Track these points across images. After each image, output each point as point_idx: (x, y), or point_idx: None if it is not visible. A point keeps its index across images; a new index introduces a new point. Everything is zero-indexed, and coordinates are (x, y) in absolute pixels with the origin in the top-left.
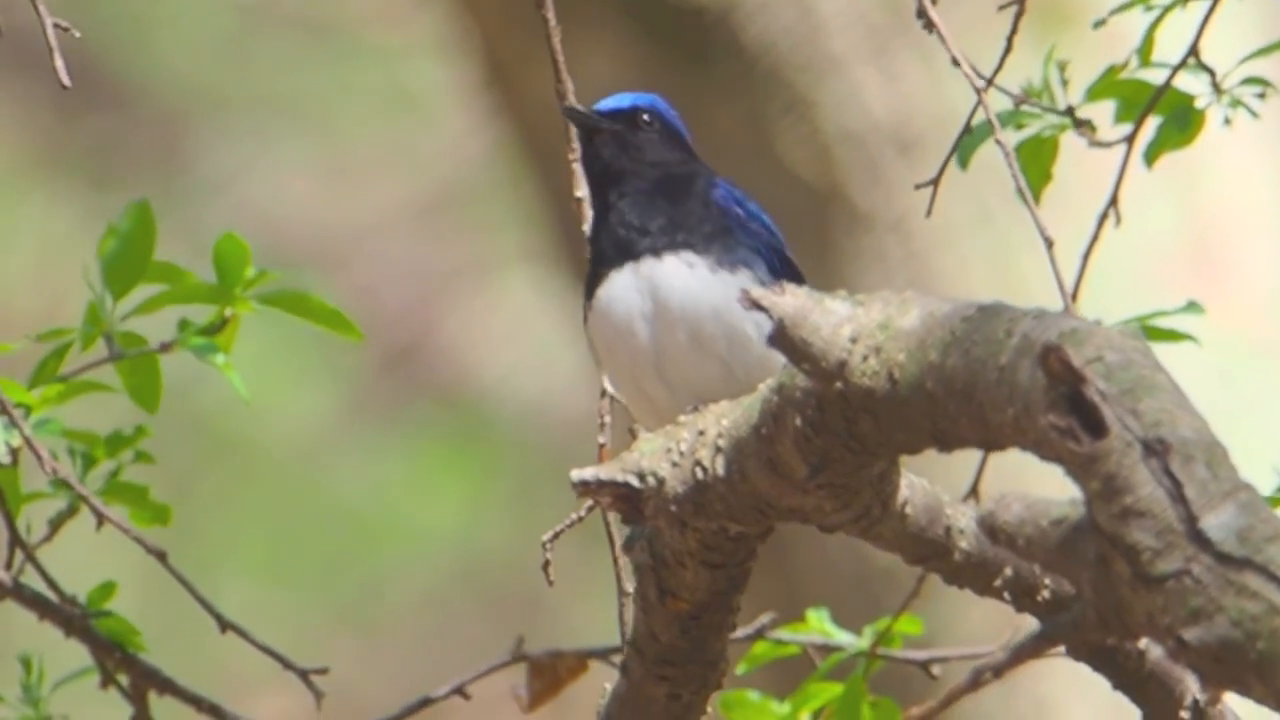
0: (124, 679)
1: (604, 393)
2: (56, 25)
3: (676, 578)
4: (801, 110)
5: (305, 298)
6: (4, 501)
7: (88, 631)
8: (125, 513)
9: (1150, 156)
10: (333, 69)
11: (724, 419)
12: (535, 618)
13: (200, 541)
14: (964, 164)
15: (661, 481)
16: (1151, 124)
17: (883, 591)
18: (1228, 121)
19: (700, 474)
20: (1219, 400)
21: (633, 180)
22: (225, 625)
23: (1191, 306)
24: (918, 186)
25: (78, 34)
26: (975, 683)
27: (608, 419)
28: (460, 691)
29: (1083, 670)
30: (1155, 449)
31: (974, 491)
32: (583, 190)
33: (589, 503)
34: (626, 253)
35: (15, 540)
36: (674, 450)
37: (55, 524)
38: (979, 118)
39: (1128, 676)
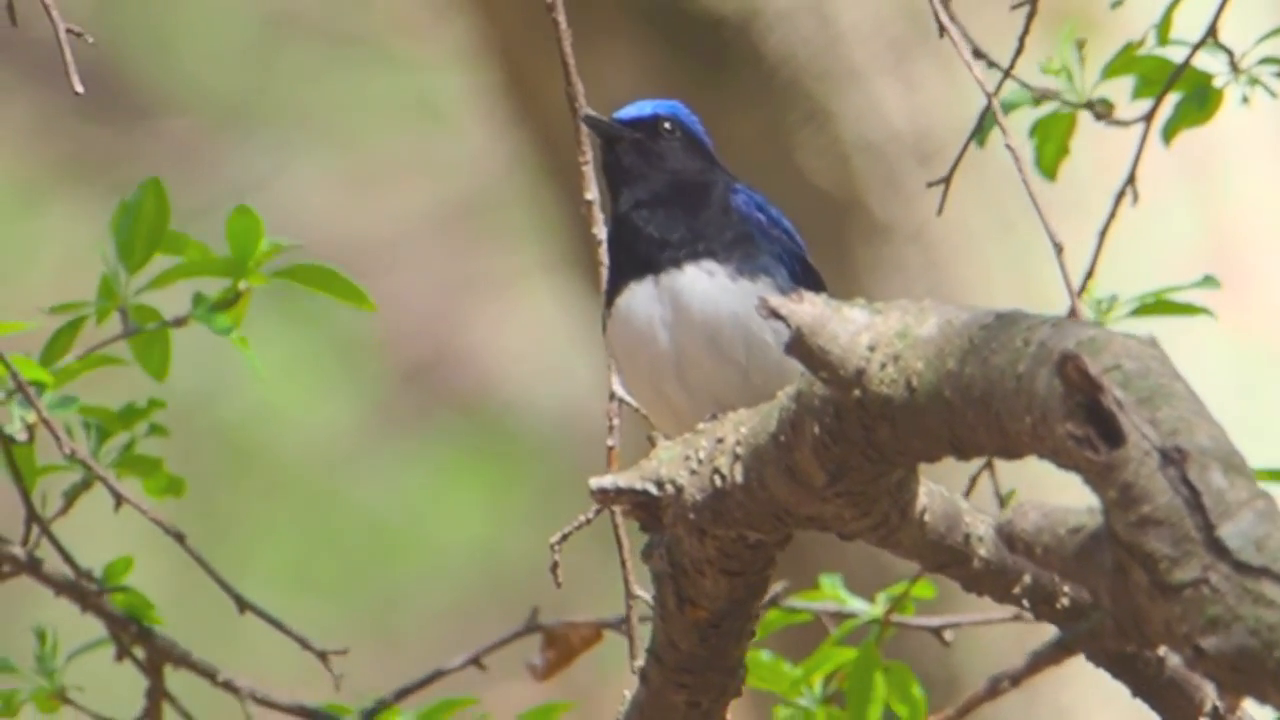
0: (139, 652)
1: (613, 395)
2: (69, 31)
3: (695, 585)
4: (821, 120)
5: (318, 269)
6: (19, 477)
7: (103, 606)
8: (141, 498)
9: (1168, 134)
10: (355, 79)
11: (742, 426)
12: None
13: (223, 551)
14: (981, 143)
15: (680, 489)
16: (1168, 105)
17: (892, 559)
18: (1245, 100)
19: (719, 481)
20: (1237, 409)
21: (653, 189)
22: (244, 606)
23: (1207, 281)
24: (930, 184)
25: (90, 39)
26: (993, 691)
27: (616, 422)
28: (476, 662)
29: (1103, 677)
30: (1173, 457)
31: (1001, 501)
32: (593, 193)
33: (596, 508)
34: (647, 265)
35: (31, 514)
36: (692, 458)
37: (70, 497)
38: (984, 127)
39: (1147, 683)
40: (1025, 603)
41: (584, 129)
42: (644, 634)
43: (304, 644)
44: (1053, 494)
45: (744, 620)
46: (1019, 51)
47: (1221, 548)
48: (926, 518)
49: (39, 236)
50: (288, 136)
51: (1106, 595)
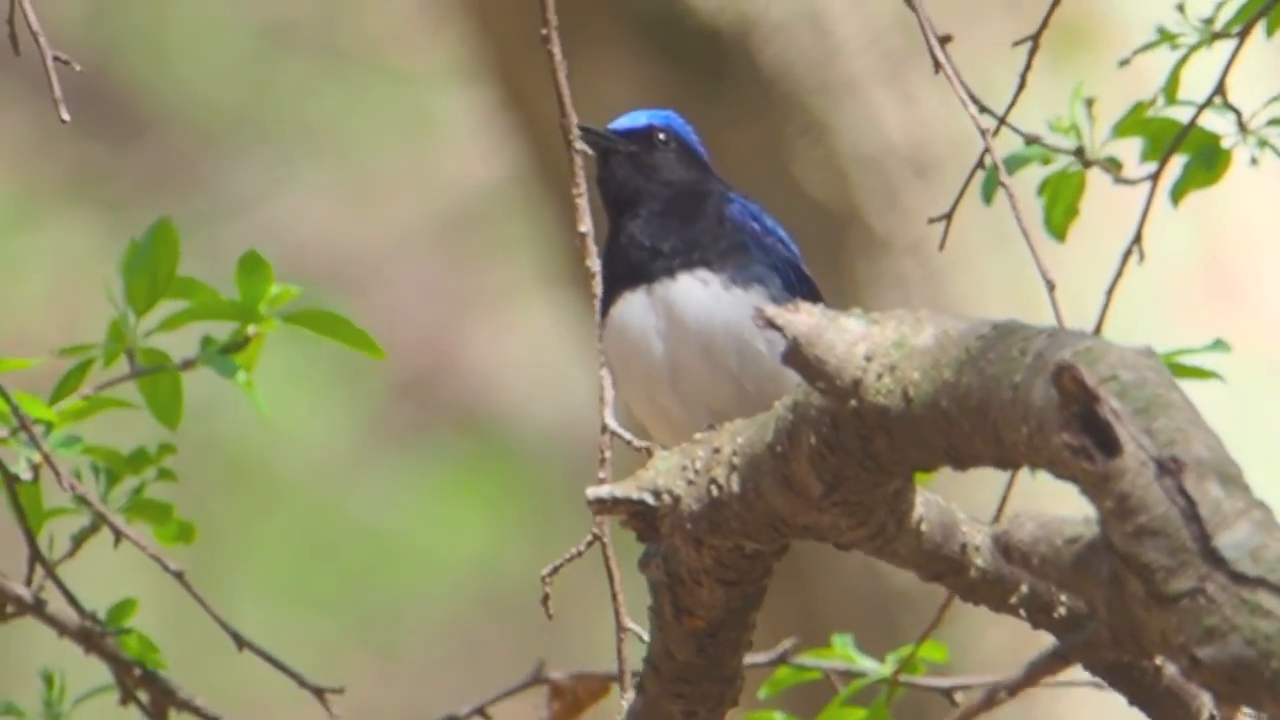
0: (144, 696)
1: (604, 428)
2: (57, 59)
3: (692, 595)
4: (818, 133)
5: (328, 316)
6: (25, 518)
7: (107, 649)
8: (148, 531)
9: (1176, 195)
10: (352, 93)
11: (739, 437)
12: (555, 640)
13: (220, 565)
14: (988, 199)
15: (677, 499)
16: (1176, 161)
17: (900, 613)
18: (1254, 162)
19: (715, 491)
20: (1233, 420)
21: (647, 200)
22: (242, 644)
23: (1218, 344)
24: (932, 220)
25: (78, 68)
26: (990, 701)
27: (608, 454)
28: (481, 713)
29: (1099, 687)
30: (1169, 468)
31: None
32: (586, 225)
33: (591, 536)
34: (641, 274)
35: (36, 557)
36: (689, 468)
37: (77, 540)
38: (989, 159)
39: (1144, 692)
40: (1022, 612)
41: (579, 161)
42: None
43: (301, 681)
44: (1049, 504)
45: (741, 630)
46: (1021, 87)
47: (1218, 558)
48: (923, 527)
49: (36, 250)
50: (285, 150)
51: (1103, 605)
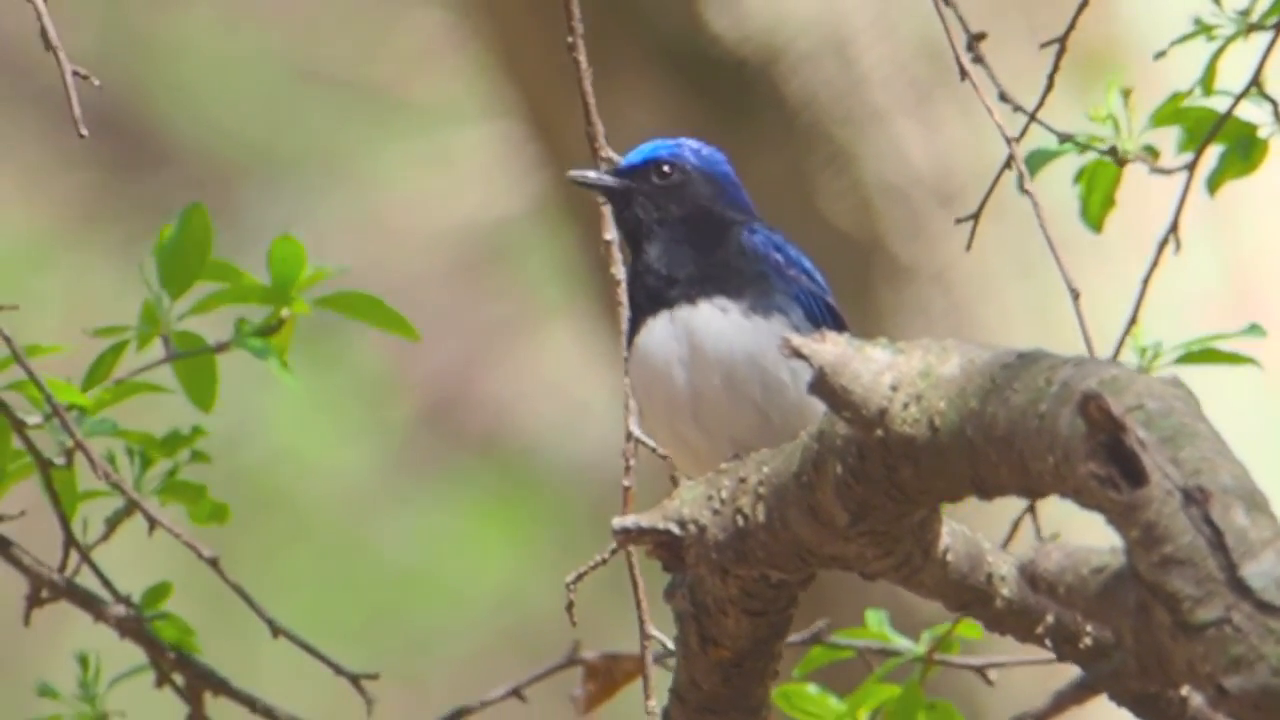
0: (179, 679)
1: (629, 436)
2: (76, 74)
3: (718, 625)
4: (843, 162)
5: (361, 298)
6: (59, 503)
7: (143, 632)
8: (180, 518)
9: (1213, 185)
10: (372, 126)
11: (765, 466)
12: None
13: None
14: (1021, 188)
15: (703, 529)
16: (1211, 154)
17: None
18: None
19: (741, 521)
20: (1260, 449)
21: (660, 231)
22: (277, 631)
23: (1253, 329)
24: (958, 221)
25: (97, 83)
26: None
27: (632, 462)
28: (517, 694)
29: (1125, 717)
30: (1195, 497)
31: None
32: (611, 234)
33: (616, 546)
34: (660, 301)
35: (70, 540)
36: (715, 498)
37: (111, 523)
38: (1011, 169)
39: None
40: (1048, 642)
41: (603, 168)
42: (660, 675)
43: (337, 669)
44: (1075, 534)
45: (767, 660)
46: (1048, 89)
47: (1244, 587)
48: (949, 557)
49: (53, 283)
50: (306, 183)
51: (1129, 635)
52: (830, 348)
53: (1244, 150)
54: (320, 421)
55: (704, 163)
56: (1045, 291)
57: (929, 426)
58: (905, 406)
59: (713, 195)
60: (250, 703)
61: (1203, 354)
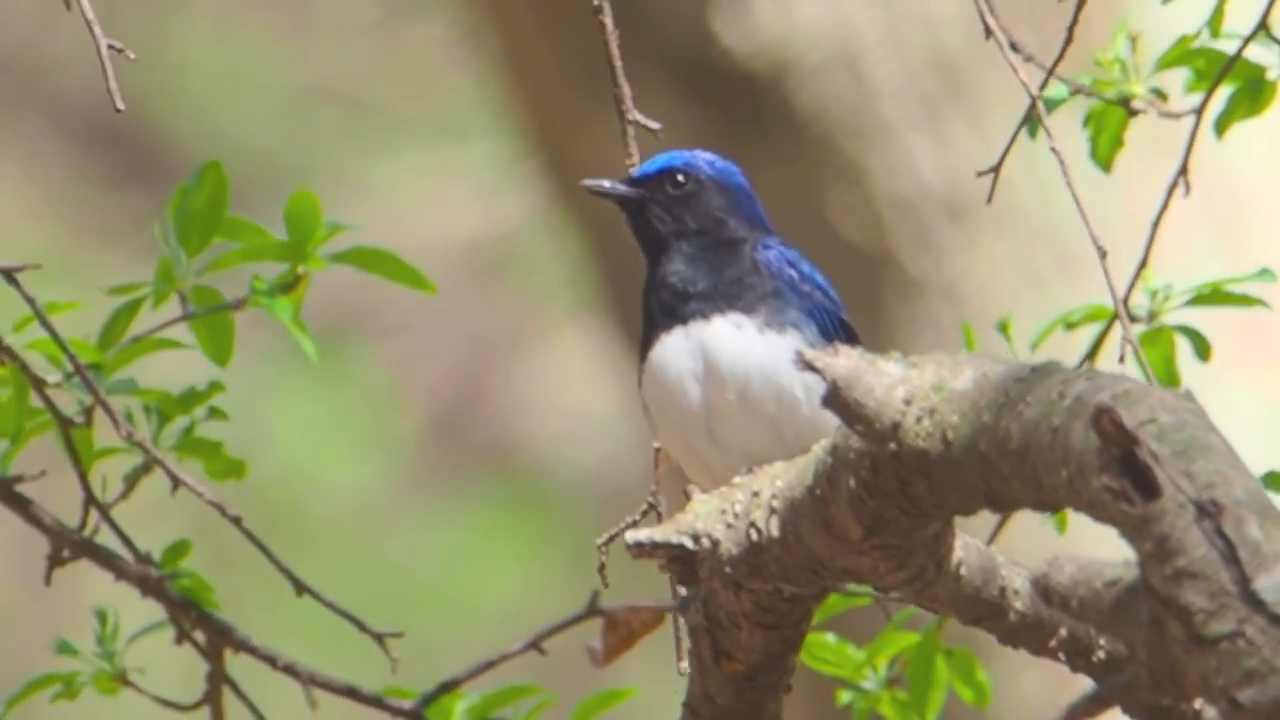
0: (199, 637)
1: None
2: (111, 47)
3: (731, 639)
4: (853, 176)
5: (377, 253)
6: (77, 460)
7: (163, 590)
8: (199, 482)
9: (1221, 127)
10: (381, 139)
11: (778, 480)
12: (592, 682)
13: (257, 611)
14: (1033, 134)
15: (716, 543)
16: (1221, 97)
17: None
18: None
19: (755, 535)
20: (1268, 461)
21: (674, 242)
22: (301, 588)
23: (1264, 273)
24: (980, 173)
25: (133, 55)
26: None
27: (663, 471)
28: (536, 646)
29: None
30: (1208, 510)
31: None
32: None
33: (646, 504)
34: (675, 316)
35: (90, 499)
36: (728, 512)
37: (130, 480)
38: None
39: None
40: (1061, 655)
41: (631, 132)
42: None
43: (361, 626)
44: (1086, 547)
45: (780, 673)
46: (1068, 42)
47: (1257, 600)
48: (962, 571)
49: (64, 296)
50: (318, 197)
51: (1142, 648)
52: (843, 361)
53: (1253, 92)
54: (329, 436)
55: (718, 173)
56: (1055, 304)
57: (942, 440)
58: (918, 420)
59: (727, 206)
60: (271, 659)
61: (1212, 295)
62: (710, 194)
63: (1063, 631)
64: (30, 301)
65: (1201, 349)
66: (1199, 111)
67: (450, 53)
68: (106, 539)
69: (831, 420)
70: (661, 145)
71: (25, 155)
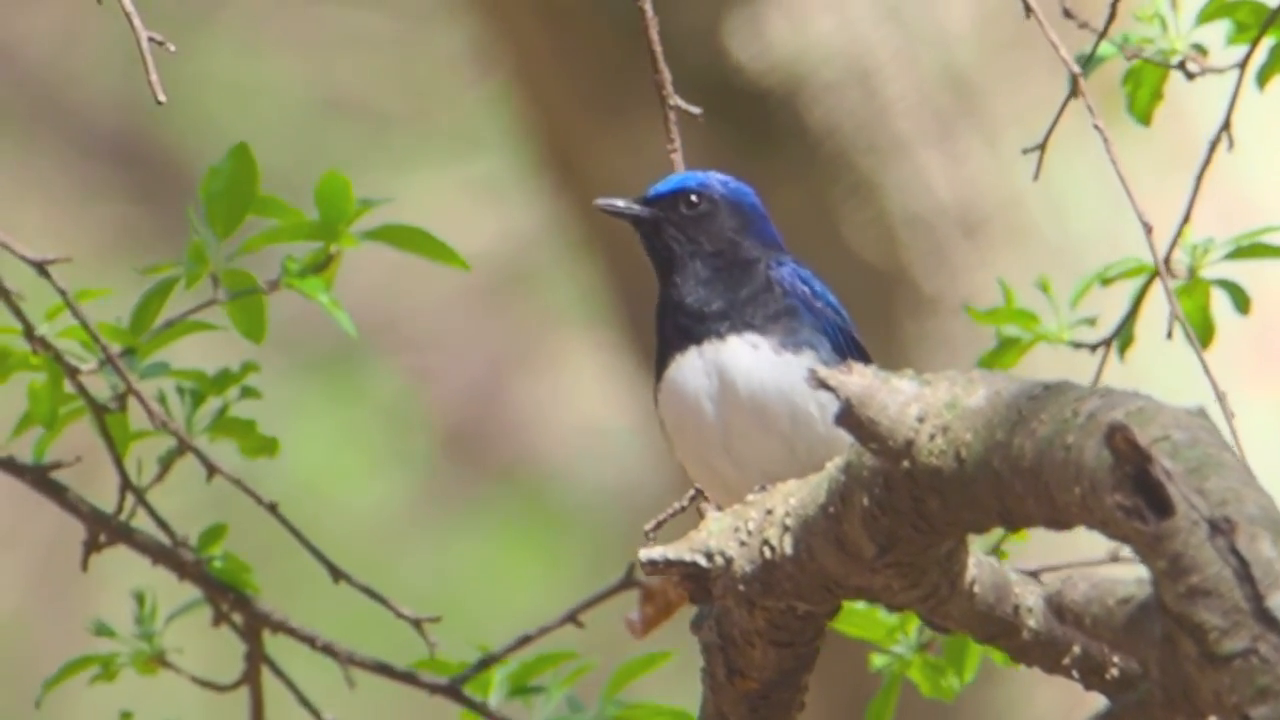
0: (237, 618)
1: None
2: (151, 39)
3: (745, 657)
4: (866, 193)
5: (408, 230)
6: (114, 446)
7: (201, 573)
8: (231, 469)
9: (1263, 79)
10: (397, 153)
11: (792, 498)
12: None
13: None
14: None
15: (729, 561)
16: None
17: None
18: None
19: (768, 553)
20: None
21: (689, 264)
22: (338, 575)
23: None
24: (1025, 151)
25: (172, 48)
26: None
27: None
28: (573, 619)
29: None
30: (1221, 528)
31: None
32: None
33: (694, 491)
34: (690, 336)
35: (126, 484)
36: (742, 529)
37: (165, 463)
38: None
39: None
40: (1075, 673)
41: (673, 117)
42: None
43: (397, 613)
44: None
45: (793, 691)
46: (1111, 17)
47: (1270, 618)
48: (976, 588)
49: (88, 311)
50: None
51: (1155, 666)
52: (857, 379)
53: None
54: (345, 453)
55: (732, 194)
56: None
57: (955, 458)
58: (932, 438)
59: (740, 227)
60: (310, 640)
61: (1252, 249)
62: (724, 214)
63: (1076, 649)
64: (61, 293)
65: (1241, 301)
66: (1242, 65)
67: (466, 68)
68: (142, 523)
69: (846, 438)
70: (672, 169)
71: (42, 172)
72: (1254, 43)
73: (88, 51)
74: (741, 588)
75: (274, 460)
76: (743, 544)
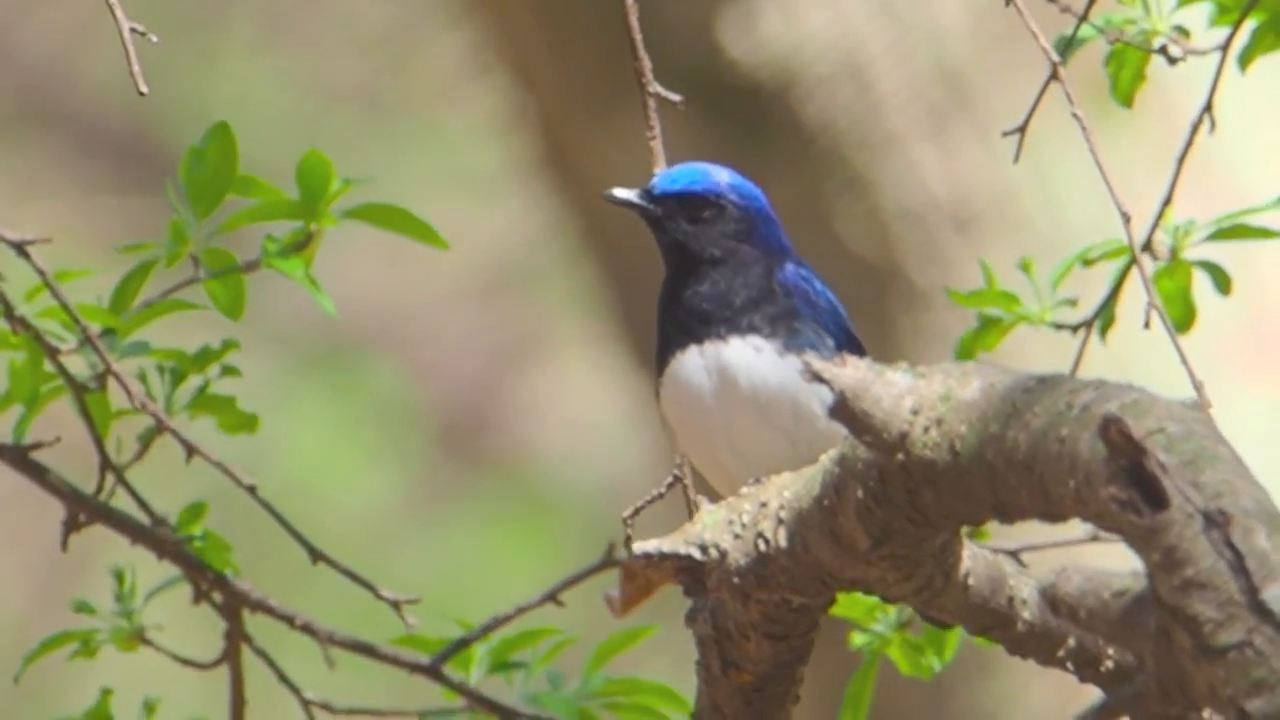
0: (217, 597)
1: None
2: (133, 30)
3: (739, 649)
4: (860, 188)
5: (389, 209)
6: (92, 424)
7: (181, 552)
8: (210, 449)
9: (1245, 61)
10: (394, 149)
11: (786, 490)
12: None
13: (267, 624)
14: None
15: (724, 554)
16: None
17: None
18: None
19: (762, 546)
20: (1277, 472)
21: (696, 262)
22: (317, 556)
23: None
24: (1005, 134)
25: (154, 38)
26: None
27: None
28: (553, 598)
29: None
30: (1216, 520)
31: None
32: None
33: (672, 476)
34: (692, 334)
35: (105, 463)
36: (736, 522)
37: (144, 441)
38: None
39: None
40: (1070, 666)
41: (652, 104)
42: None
43: (376, 593)
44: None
45: (788, 684)
46: (1093, 0)
47: (1265, 610)
48: (970, 581)
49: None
50: None
51: (1150, 658)
52: (851, 372)
53: (1277, 25)
54: (340, 448)
55: (741, 198)
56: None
57: (949, 450)
58: (926, 430)
59: (748, 231)
60: (289, 618)
61: (1234, 230)
62: (732, 219)
63: (1071, 641)
64: (41, 273)
65: (1221, 282)
66: (1224, 48)
67: (468, 63)
68: (122, 502)
69: (844, 430)
70: (678, 157)
71: (43, 169)
72: (1236, 25)
73: (90, 49)
74: (736, 580)
75: (271, 454)
76: (737, 537)
